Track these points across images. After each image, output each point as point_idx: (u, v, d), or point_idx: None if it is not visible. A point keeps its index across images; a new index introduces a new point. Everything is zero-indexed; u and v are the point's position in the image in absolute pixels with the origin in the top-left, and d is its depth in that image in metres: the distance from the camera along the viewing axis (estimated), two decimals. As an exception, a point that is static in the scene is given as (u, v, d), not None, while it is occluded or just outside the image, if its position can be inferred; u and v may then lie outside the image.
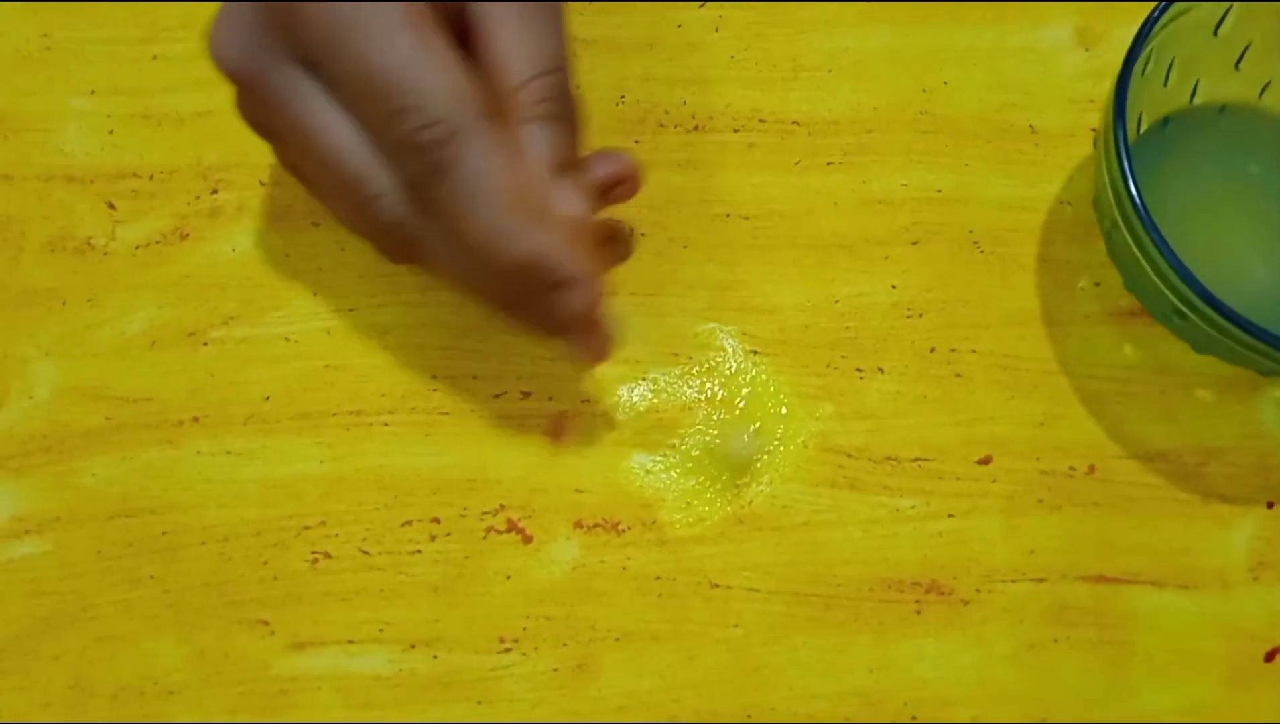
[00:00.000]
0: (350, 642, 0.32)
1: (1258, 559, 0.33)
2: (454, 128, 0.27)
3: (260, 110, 0.29)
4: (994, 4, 0.38)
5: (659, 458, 0.34)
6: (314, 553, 0.33)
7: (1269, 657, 0.32)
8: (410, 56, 0.26)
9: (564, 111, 0.29)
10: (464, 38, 0.29)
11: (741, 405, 0.34)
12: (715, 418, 0.34)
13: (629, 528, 0.33)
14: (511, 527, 0.33)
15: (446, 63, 0.27)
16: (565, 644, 0.32)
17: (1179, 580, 0.33)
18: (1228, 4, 0.32)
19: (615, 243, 0.34)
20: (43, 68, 0.37)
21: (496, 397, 0.34)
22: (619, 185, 0.31)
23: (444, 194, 0.27)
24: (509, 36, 0.28)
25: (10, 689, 0.32)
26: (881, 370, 0.34)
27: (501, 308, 0.30)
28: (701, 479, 0.33)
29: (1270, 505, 0.33)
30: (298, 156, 0.30)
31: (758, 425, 0.33)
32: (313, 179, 0.31)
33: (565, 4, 0.30)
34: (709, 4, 0.38)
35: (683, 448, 0.34)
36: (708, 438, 0.34)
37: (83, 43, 0.37)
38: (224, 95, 0.36)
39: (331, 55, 0.27)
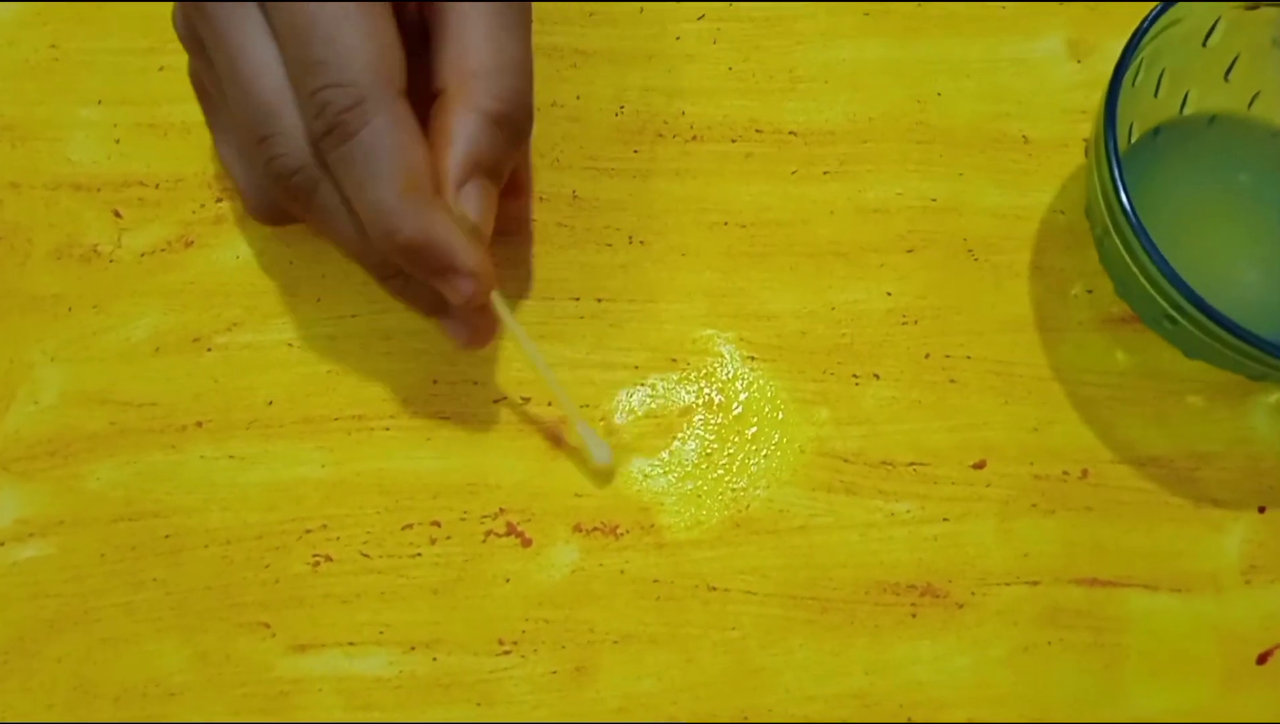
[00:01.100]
0: (351, 644, 0.32)
1: (1250, 562, 0.33)
2: (362, 94, 0.27)
3: (197, 19, 0.29)
4: (987, 16, 0.38)
5: (657, 462, 0.34)
6: (315, 556, 0.33)
7: (1261, 659, 0.33)
8: (345, 14, 0.27)
9: (513, 118, 0.29)
10: (429, 33, 0.29)
11: (739, 411, 0.34)
12: (713, 422, 0.34)
13: (627, 532, 0.33)
14: (511, 530, 0.33)
15: (379, 30, 0.27)
16: (564, 647, 0.32)
17: (1172, 584, 0.33)
18: (1216, 16, 0.32)
19: (517, 191, 0.34)
20: (50, 77, 0.38)
21: (496, 402, 0.34)
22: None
23: (340, 158, 0.27)
24: (479, 29, 0.29)
25: (14, 690, 0.32)
26: (877, 376, 0.35)
27: (381, 279, 0.31)
28: (699, 483, 0.34)
29: (1262, 509, 0.34)
30: (214, 75, 0.30)
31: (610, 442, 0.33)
32: (221, 102, 0.30)
33: (531, 23, 0.30)
34: (707, 17, 0.38)
35: (680, 453, 0.34)
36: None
37: (90, 53, 0.38)
38: (229, 105, 0.37)
39: None
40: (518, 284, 0.35)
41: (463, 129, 0.29)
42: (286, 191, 0.29)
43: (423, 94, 0.29)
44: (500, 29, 0.29)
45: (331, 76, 0.27)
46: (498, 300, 0.31)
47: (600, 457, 0.33)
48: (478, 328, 0.32)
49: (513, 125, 0.29)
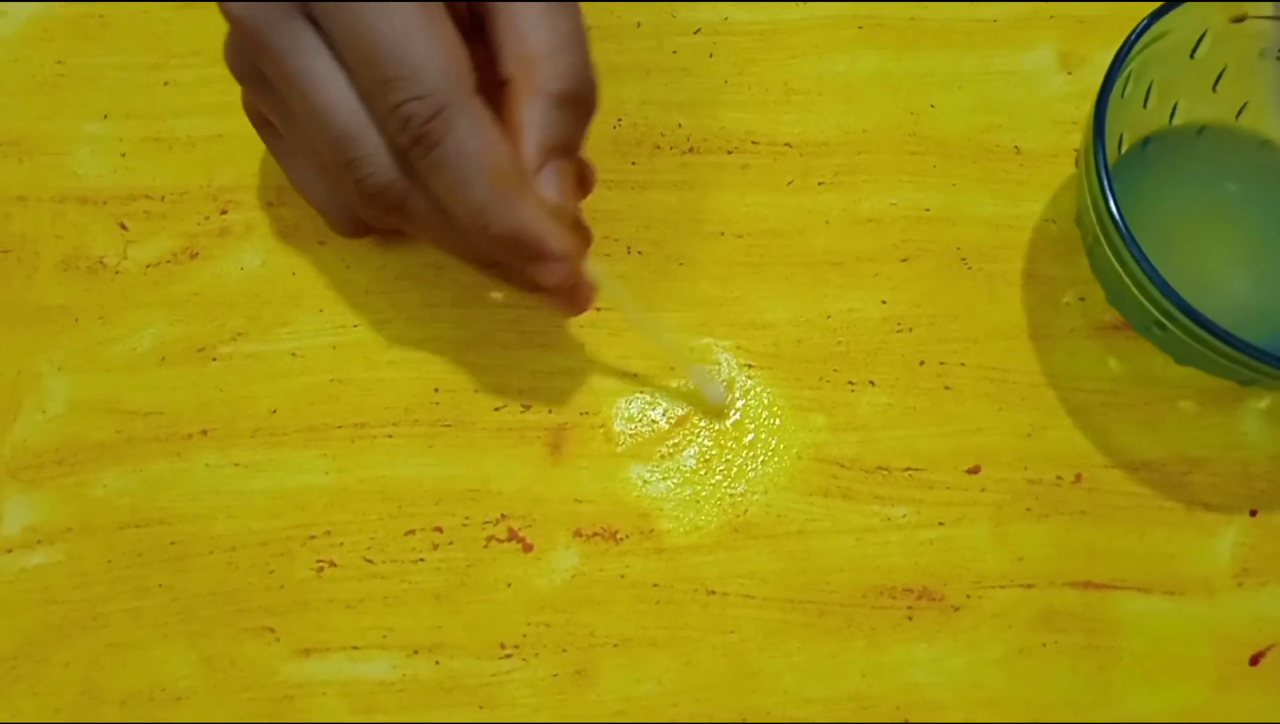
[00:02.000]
0: (355, 648, 0.33)
1: (1242, 565, 0.34)
2: (442, 102, 0.27)
3: (258, 56, 0.29)
4: (979, 29, 0.39)
5: (656, 469, 0.34)
6: (319, 562, 0.33)
7: (1254, 660, 0.33)
8: (409, 27, 0.27)
9: (580, 94, 0.30)
10: (482, 21, 0.30)
11: (736, 418, 0.35)
12: (711, 429, 0.35)
13: (627, 537, 0.34)
14: (512, 536, 0.34)
15: (444, 36, 0.28)
16: (565, 650, 0.33)
17: (1165, 587, 0.34)
18: (1203, 29, 0.33)
19: (583, 183, 0.34)
20: (57, 93, 0.38)
21: (498, 409, 0.35)
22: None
23: (429, 166, 0.28)
24: (533, 11, 0.29)
25: (22, 695, 0.32)
26: (873, 383, 0.35)
27: (481, 269, 0.31)
28: (698, 489, 0.34)
29: (1253, 513, 0.34)
30: (284, 109, 0.31)
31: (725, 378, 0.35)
32: (289, 130, 0.31)
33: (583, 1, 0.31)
34: (703, 31, 0.39)
35: (679, 459, 0.35)
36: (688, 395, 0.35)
37: (96, 69, 0.39)
38: (233, 120, 0.38)
39: (336, 13, 0.28)
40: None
41: (532, 115, 0.29)
42: (381, 207, 0.30)
43: (487, 84, 0.30)
44: (552, 8, 0.29)
45: (409, 91, 0.27)
46: (594, 268, 0.31)
47: (715, 396, 0.34)
48: (574, 300, 0.33)
49: (579, 100, 0.30)
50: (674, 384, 0.35)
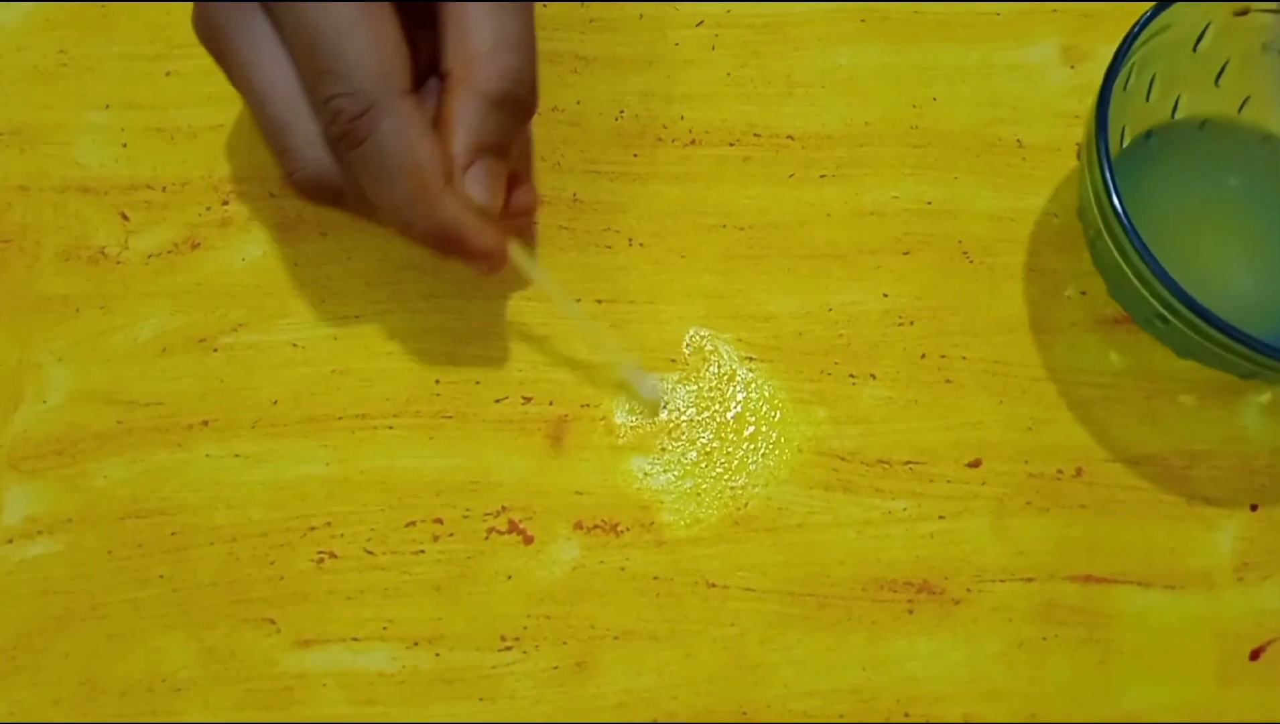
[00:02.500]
0: (355, 639, 0.33)
1: (1242, 560, 0.34)
2: (369, 101, 0.28)
3: (211, 35, 0.30)
4: (982, 22, 0.39)
5: (657, 461, 0.34)
6: (319, 553, 0.33)
7: (1254, 655, 0.33)
8: (346, 23, 0.28)
9: (516, 96, 0.30)
10: (432, 16, 0.30)
11: (737, 410, 0.35)
12: (712, 422, 0.35)
13: (628, 529, 0.34)
14: (513, 527, 0.34)
15: (380, 34, 0.28)
16: (565, 642, 0.33)
17: (1165, 581, 0.34)
18: (1206, 22, 0.33)
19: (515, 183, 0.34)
20: (59, 83, 0.38)
21: (498, 401, 0.35)
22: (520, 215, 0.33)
23: (353, 162, 0.29)
24: (478, 13, 0.29)
25: (22, 686, 0.32)
26: (874, 376, 0.35)
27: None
28: (698, 482, 0.34)
29: (1254, 507, 0.34)
30: (236, 89, 0.31)
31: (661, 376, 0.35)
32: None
33: (535, 4, 0.31)
34: (706, 23, 0.39)
35: (680, 452, 0.35)
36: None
37: (98, 59, 0.38)
38: (235, 110, 0.38)
39: (280, 3, 0.28)
40: (519, 285, 0.36)
41: (466, 113, 0.29)
42: (311, 197, 0.31)
43: (434, 71, 0.30)
44: (499, 8, 0.30)
45: (340, 86, 0.28)
46: (519, 256, 0.32)
47: (649, 392, 0.34)
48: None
49: (515, 102, 0.30)
50: (674, 377, 0.35)
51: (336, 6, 0.28)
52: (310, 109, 0.29)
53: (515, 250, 0.32)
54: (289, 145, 0.30)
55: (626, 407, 0.35)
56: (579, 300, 0.36)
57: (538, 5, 0.39)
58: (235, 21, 0.29)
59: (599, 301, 0.36)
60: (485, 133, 0.30)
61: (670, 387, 0.35)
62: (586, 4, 0.39)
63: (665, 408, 0.35)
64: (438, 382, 0.35)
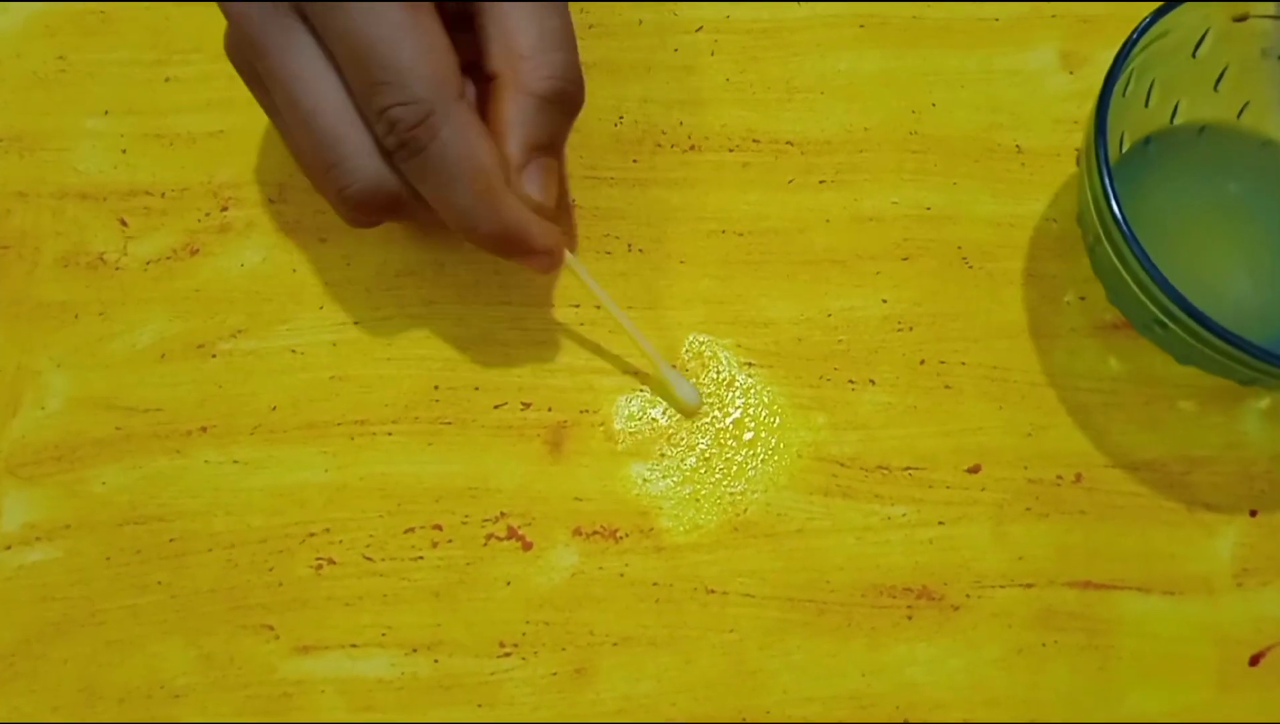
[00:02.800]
0: (353, 646, 0.33)
1: (1242, 565, 0.34)
2: (428, 109, 0.28)
3: (251, 53, 0.30)
4: (981, 28, 0.39)
5: (656, 467, 0.34)
6: (318, 559, 0.33)
7: (1254, 660, 0.33)
8: (397, 31, 0.27)
9: (565, 93, 0.30)
10: (470, 16, 0.30)
11: (736, 416, 0.35)
12: (711, 427, 0.35)
13: (627, 535, 0.34)
14: (512, 534, 0.34)
15: (432, 39, 0.28)
16: (564, 649, 0.33)
17: (1165, 586, 0.34)
18: (1205, 28, 0.33)
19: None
20: (58, 89, 0.38)
21: (497, 407, 0.35)
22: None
23: (415, 170, 0.29)
24: (520, 10, 0.29)
25: (21, 692, 0.32)
26: (873, 382, 0.35)
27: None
28: (698, 488, 0.34)
29: (1253, 513, 0.34)
30: (274, 107, 0.31)
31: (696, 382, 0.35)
32: (289, 132, 0.31)
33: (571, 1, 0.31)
34: (705, 29, 0.39)
35: (679, 457, 0.35)
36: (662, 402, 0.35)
37: (97, 65, 0.39)
38: (234, 116, 0.38)
39: (327, 14, 0.28)
40: (519, 291, 0.36)
41: (518, 114, 0.30)
42: (367, 211, 0.30)
43: (474, 74, 0.30)
44: (540, 7, 0.30)
45: (396, 95, 0.28)
46: (572, 261, 0.32)
47: (688, 396, 0.34)
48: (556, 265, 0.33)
49: (564, 98, 0.30)
50: (647, 383, 0.35)
51: (384, 11, 0.27)
52: (361, 120, 0.29)
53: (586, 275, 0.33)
54: (342, 158, 0.29)
55: (664, 408, 0.35)
56: (578, 306, 0.36)
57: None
58: (276, 35, 0.29)
59: (598, 307, 0.36)
60: (539, 132, 0.30)
61: (757, 406, 0.35)
62: (586, 9, 0.39)
63: (697, 413, 0.35)
64: (437, 388, 0.35)
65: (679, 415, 0.35)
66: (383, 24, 0.27)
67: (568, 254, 0.32)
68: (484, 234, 0.30)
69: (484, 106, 0.31)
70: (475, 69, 0.31)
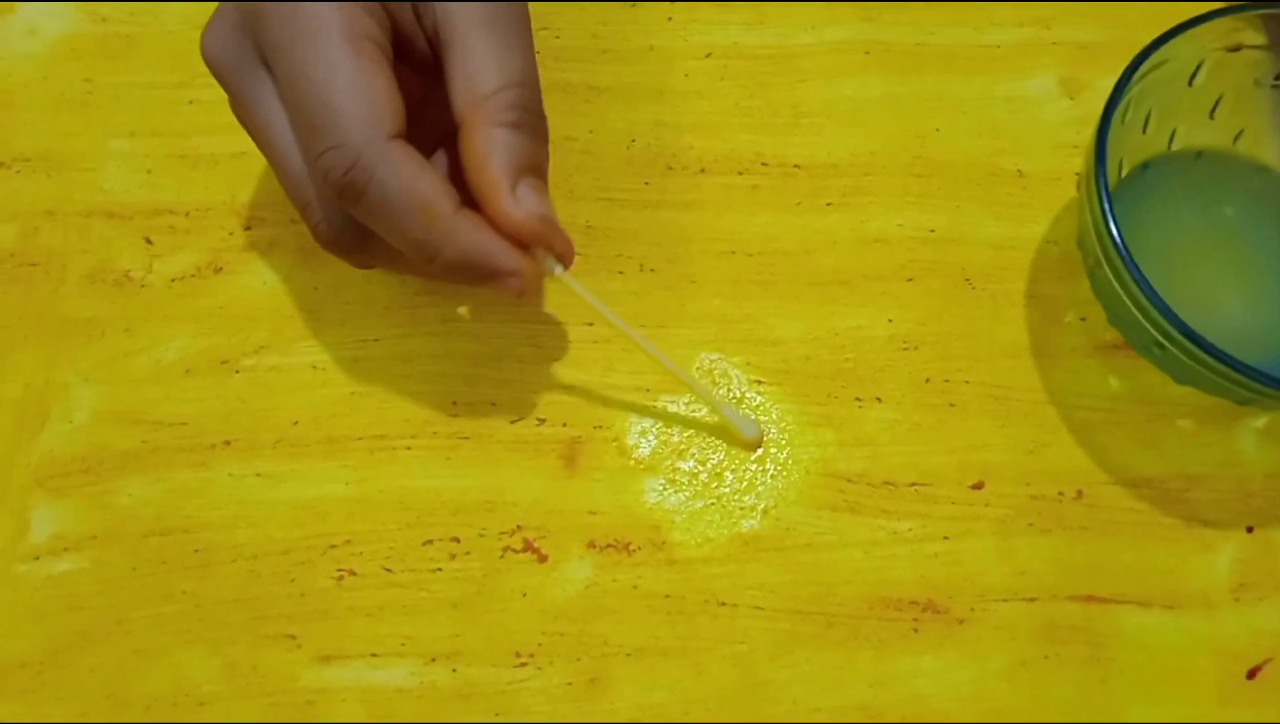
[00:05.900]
0: (374, 655, 0.33)
1: (1239, 581, 0.34)
2: (356, 152, 0.28)
3: (230, 97, 0.31)
4: (983, 55, 0.40)
5: (668, 482, 0.35)
6: (339, 570, 0.34)
7: (1251, 674, 0.34)
8: (333, 73, 0.28)
9: (529, 122, 0.30)
10: (438, 57, 0.30)
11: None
12: (721, 444, 0.36)
13: (640, 548, 0.35)
14: (527, 546, 0.34)
15: (367, 80, 0.28)
16: (579, 659, 0.34)
17: (1164, 601, 0.34)
18: (1200, 58, 0.34)
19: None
20: (84, 110, 0.39)
21: (514, 422, 0.36)
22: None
23: (362, 214, 0.29)
24: (480, 53, 0.30)
25: (48, 700, 0.33)
26: (879, 400, 0.36)
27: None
28: (709, 502, 0.35)
29: (1250, 529, 0.35)
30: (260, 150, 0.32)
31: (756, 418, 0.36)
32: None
33: (531, 31, 0.31)
34: (714, 55, 0.40)
35: (690, 473, 0.35)
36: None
37: (123, 87, 0.39)
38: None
39: (274, 60, 0.29)
40: (535, 310, 0.37)
41: (493, 142, 0.30)
42: (339, 252, 0.31)
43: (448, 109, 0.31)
44: (502, 48, 0.30)
45: (327, 140, 0.28)
46: (579, 287, 0.32)
47: (747, 429, 0.35)
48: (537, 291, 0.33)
49: (530, 126, 0.30)
50: (684, 399, 0.36)
51: (324, 54, 0.28)
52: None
53: (587, 293, 0.32)
54: (309, 200, 0.30)
55: (725, 447, 0.36)
56: (592, 324, 0.37)
57: (551, 38, 0.40)
58: (250, 85, 0.30)
59: (611, 326, 0.36)
60: (514, 153, 0.30)
61: (767, 423, 0.36)
62: (598, 36, 0.40)
63: (760, 445, 0.36)
64: (454, 403, 0.36)
65: (742, 448, 0.36)
66: (320, 66, 0.28)
67: (571, 277, 0.32)
68: (445, 263, 0.29)
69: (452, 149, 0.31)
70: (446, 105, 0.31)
